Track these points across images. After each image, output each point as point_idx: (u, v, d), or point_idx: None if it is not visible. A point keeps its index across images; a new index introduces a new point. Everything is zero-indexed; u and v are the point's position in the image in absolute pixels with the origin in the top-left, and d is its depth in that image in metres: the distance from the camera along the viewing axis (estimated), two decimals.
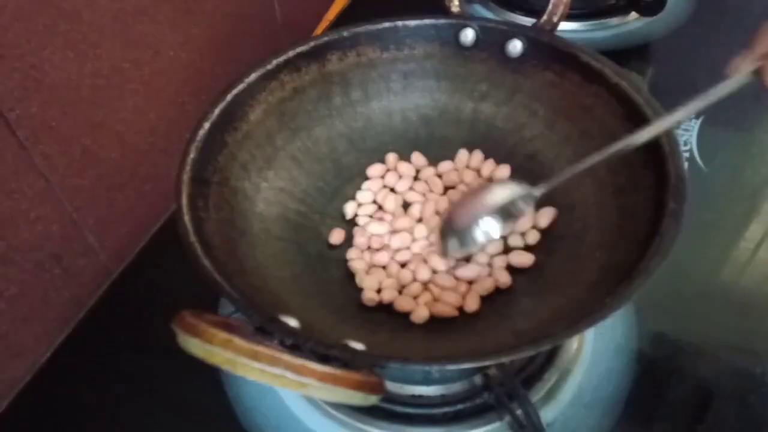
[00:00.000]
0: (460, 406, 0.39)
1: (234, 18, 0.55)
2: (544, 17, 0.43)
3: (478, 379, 0.40)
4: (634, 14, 0.67)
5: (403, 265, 0.42)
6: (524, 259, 0.41)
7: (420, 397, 0.39)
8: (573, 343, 0.42)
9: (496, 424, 0.38)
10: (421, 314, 0.38)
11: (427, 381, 0.39)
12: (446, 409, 0.39)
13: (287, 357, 0.23)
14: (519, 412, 0.37)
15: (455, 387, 0.40)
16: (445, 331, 0.38)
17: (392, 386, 0.40)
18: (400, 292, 0.40)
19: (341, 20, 0.71)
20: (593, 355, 0.42)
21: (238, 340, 0.23)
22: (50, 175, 0.41)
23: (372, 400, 0.26)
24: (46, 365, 0.44)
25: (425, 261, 0.41)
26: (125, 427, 0.41)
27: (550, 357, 0.41)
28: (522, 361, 0.40)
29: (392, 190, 0.46)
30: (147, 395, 0.42)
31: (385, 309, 0.40)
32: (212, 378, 0.42)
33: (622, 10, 0.67)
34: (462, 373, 0.40)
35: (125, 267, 0.50)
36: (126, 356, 0.44)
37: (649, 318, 0.43)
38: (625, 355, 0.42)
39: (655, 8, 0.63)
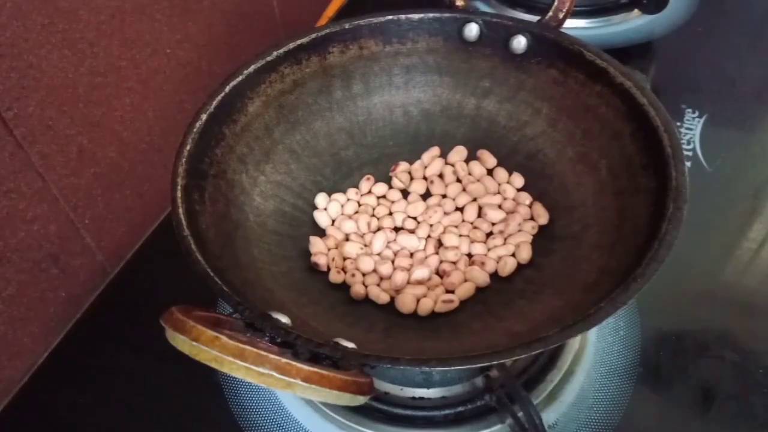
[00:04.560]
0: (461, 409, 0.38)
1: (232, 16, 0.55)
2: (550, 13, 0.43)
3: (479, 381, 0.39)
4: (637, 11, 0.66)
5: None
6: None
7: (420, 399, 0.39)
8: (575, 344, 0.42)
9: (498, 427, 0.38)
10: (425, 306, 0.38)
11: (427, 383, 0.39)
12: (447, 412, 0.38)
13: (273, 356, 0.23)
14: (521, 414, 0.36)
15: (456, 389, 0.39)
16: (440, 332, 0.37)
17: (392, 388, 0.40)
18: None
19: (341, 17, 0.71)
20: (595, 356, 0.42)
21: (224, 339, 0.23)
22: (47, 175, 0.41)
23: (359, 400, 0.25)
24: (44, 365, 0.44)
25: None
26: (123, 428, 0.40)
27: (552, 358, 0.41)
28: (524, 363, 0.40)
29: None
30: (145, 395, 0.42)
31: (380, 308, 0.39)
32: (210, 378, 0.42)
33: (625, 8, 0.66)
34: (462, 374, 0.39)
35: (122, 267, 0.50)
36: (123, 356, 0.44)
37: (651, 318, 0.43)
38: (627, 356, 0.41)
39: (657, 6, 0.63)
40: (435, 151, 0.47)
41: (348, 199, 0.45)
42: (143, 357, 0.43)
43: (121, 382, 0.42)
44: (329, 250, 0.42)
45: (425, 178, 0.46)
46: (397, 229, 0.43)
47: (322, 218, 0.43)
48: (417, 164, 0.46)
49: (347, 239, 0.43)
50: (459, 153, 0.46)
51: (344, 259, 0.41)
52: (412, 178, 0.46)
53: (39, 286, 0.42)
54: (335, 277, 0.40)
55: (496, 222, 0.43)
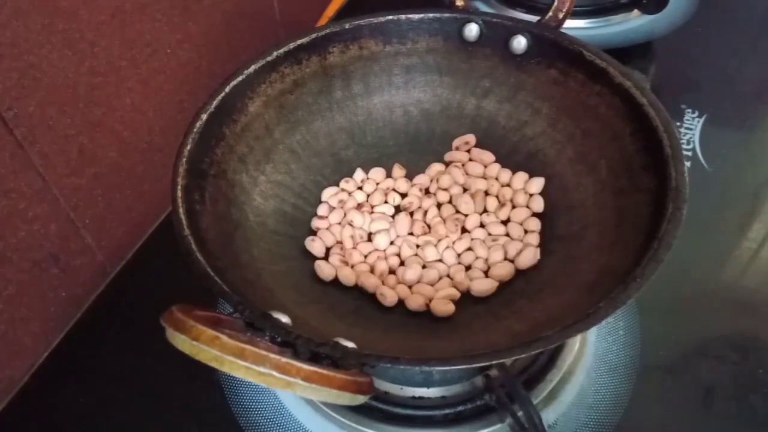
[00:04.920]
0: (460, 408, 0.38)
1: (232, 16, 0.55)
2: (550, 13, 0.43)
3: (479, 381, 0.39)
4: (636, 12, 0.66)
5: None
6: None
7: (420, 398, 0.39)
8: (575, 344, 0.42)
9: (498, 426, 0.38)
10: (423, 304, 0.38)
11: (427, 382, 0.39)
12: (447, 411, 0.38)
13: (273, 356, 0.23)
14: (520, 413, 0.36)
15: (456, 388, 0.39)
16: (440, 332, 0.37)
17: (392, 388, 0.40)
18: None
19: (341, 17, 0.71)
20: (595, 356, 0.42)
21: (225, 338, 0.23)
22: (48, 175, 0.41)
23: (359, 400, 0.26)
24: (44, 365, 0.44)
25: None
26: (123, 427, 0.40)
27: (552, 358, 0.41)
28: (524, 362, 0.40)
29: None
30: (145, 395, 0.42)
31: (380, 307, 0.39)
32: (210, 378, 0.42)
33: (624, 8, 0.66)
34: (462, 374, 0.39)
35: (123, 266, 0.50)
36: (124, 356, 0.44)
37: (651, 318, 0.43)
38: (626, 356, 0.42)
39: (657, 6, 0.63)
40: (439, 166, 0.47)
41: (349, 194, 0.45)
42: (143, 357, 0.43)
43: (121, 381, 0.42)
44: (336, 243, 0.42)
45: (427, 190, 0.46)
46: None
47: (322, 209, 0.44)
48: (423, 179, 0.46)
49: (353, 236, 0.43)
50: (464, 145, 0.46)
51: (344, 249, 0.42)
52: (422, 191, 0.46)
53: (39, 285, 0.42)
54: (344, 271, 0.40)
55: (499, 232, 0.43)
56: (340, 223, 0.43)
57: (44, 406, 0.42)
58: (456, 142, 0.47)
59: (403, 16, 0.45)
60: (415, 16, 0.45)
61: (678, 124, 0.56)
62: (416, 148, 0.47)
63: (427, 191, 0.45)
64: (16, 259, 0.40)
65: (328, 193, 0.44)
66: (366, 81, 0.46)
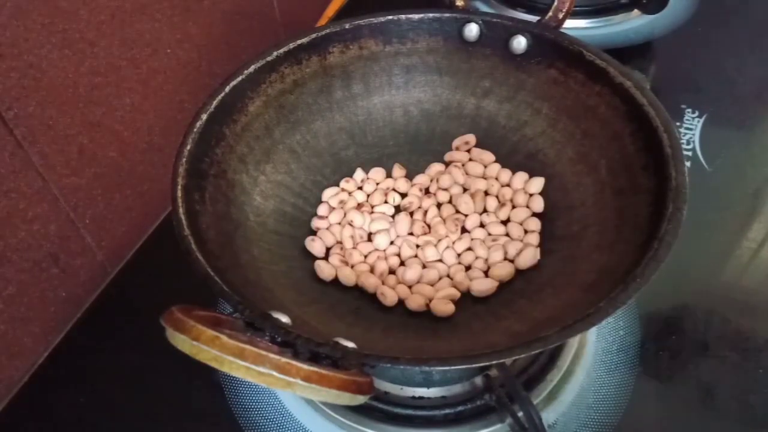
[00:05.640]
0: (460, 408, 0.38)
1: (232, 16, 0.55)
2: (550, 13, 0.43)
3: (479, 381, 0.39)
4: (636, 12, 0.66)
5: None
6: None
7: (420, 398, 0.39)
8: (575, 344, 0.42)
9: (498, 426, 0.38)
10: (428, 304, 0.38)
11: (427, 382, 0.39)
12: (447, 411, 0.38)
13: (273, 356, 0.23)
14: (520, 413, 0.36)
15: (456, 388, 0.39)
16: (440, 332, 0.37)
17: (392, 388, 0.40)
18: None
19: (341, 17, 0.71)
20: (595, 356, 0.42)
21: (225, 338, 0.23)
22: (48, 174, 0.41)
23: (359, 400, 0.26)
24: (44, 365, 0.44)
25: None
26: (123, 428, 0.40)
27: (552, 358, 0.41)
28: (524, 362, 0.40)
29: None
30: (145, 395, 0.42)
31: (380, 308, 0.39)
32: (210, 378, 0.42)
33: (624, 8, 0.66)
34: (462, 374, 0.39)
35: (123, 266, 0.50)
36: (124, 356, 0.44)
37: (650, 317, 0.43)
38: (626, 355, 0.42)
39: (657, 6, 0.63)
40: (439, 166, 0.46)
41: (349, 194, 0.45)
42: (143, 357, 0.43)
43: (121, 382, 0.42)
44: (336, 243, 0.42)
45: (427, 190, 0.46)
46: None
47: (322, 209, 0.44)
48: (423, 179, 0.46)
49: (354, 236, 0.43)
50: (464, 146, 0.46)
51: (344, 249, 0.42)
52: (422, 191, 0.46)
53: (39, 285, 0.42)
54: (344, 271, 0.40)
55: (499, 233, 0.43)
56: (340, 223, 0.43)
57: (44, 406, 0.42)
58: (456, 142, 0.47)
59: (403, 16, 0.45)
60: (415, 16, 0.45)
61: (678, 124, 0.56)
62: (416, 148, 0.47)
63: (427, 191, 0.46)
64: (16, 259, 0.40)
65: (328, 193, 0.44)
66: (366, 81, 0.47)
